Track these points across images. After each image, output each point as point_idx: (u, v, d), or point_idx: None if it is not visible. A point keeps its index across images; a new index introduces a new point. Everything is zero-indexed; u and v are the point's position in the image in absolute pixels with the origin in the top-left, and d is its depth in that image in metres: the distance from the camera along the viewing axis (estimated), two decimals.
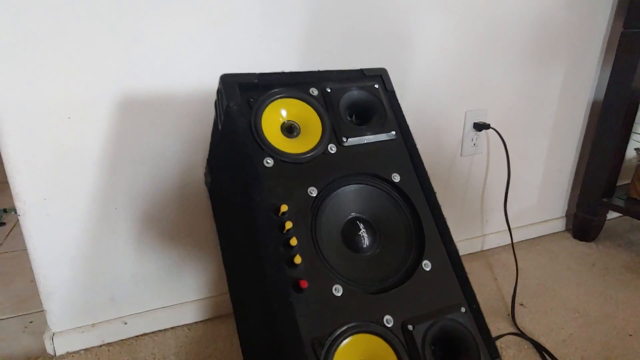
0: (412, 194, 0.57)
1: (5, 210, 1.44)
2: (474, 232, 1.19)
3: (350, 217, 0.55)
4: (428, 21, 0.93)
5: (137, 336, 0.87)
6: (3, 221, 1.38)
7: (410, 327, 0.48)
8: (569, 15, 1.08)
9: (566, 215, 1.32)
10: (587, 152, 1.23)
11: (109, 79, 0.72)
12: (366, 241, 0.54)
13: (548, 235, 1.29)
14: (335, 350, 0.45)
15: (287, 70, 0.62)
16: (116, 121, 0.75)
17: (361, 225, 0.54)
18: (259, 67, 0.81)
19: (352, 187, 0.56)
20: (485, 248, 1.21)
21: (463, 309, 0.52)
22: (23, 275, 1.08)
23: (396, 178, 0.57)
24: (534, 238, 1.27)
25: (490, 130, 1.07)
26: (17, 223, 1.35)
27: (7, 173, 0.71)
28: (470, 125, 1.07)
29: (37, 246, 0.76)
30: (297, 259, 0.47)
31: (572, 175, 1.29)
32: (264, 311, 0.53)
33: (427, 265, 0.54)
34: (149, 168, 0.79)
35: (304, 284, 0.46)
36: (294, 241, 0.48)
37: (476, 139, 1.09)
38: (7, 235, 1.30)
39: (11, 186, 0.72)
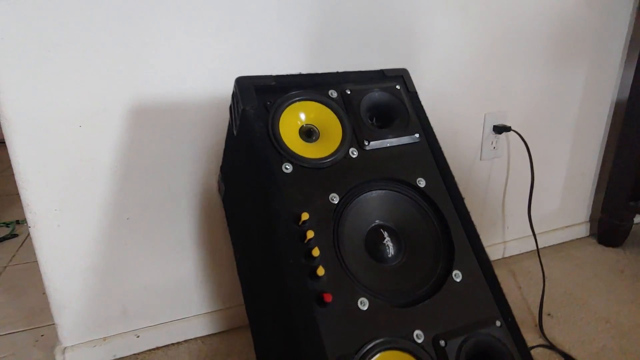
0: (439, 199, 0.54)
1: (18, 222, 1.43)
2: (494, 239, 1.15)
3: (373, 225, 0.52)
4: (445, 21, 0.90)
5: (150, 350, 0.85)
6: (16, 232, 1.37)
7: (442, 342, 0.45)
8: (590, 13, 1.05)
9: (590, 220, 1.28)
10: (611, 154, 1.18)
11: (120, 86, 0.70)
12: (391, 250, 0.51)
13: (572, 241, 1.25)
14: None
15: (302, 72, 0.59)
16: (128, 129, 0.73)
17: (385, 234, 0.51)
18: (273, 71, 0.79)
19: (375, 193, 0.53)
20: (506, 255, 1.16)
21: (498, 323, 0.48)
22: (35, 287, 1.06)
23: (421, 183, 0.54)
24: (557, 244, 1.22)
25: (511, 132, 1.03)
26: (29, 235, 1.34)
27: (17, 184, 0.70)
28: (489, 128, 1.03)
29: (47, 258, 0.74)
30: (320, 271, 0.44)
31: (596, 178, 1.24)
32: (284, 326, 0.50)
33: (457, 275, 0.50)
34: (162, 177, 0.77)
35: (328, 297, 0.43)
36: (316, 252, 0.45)
37: (496, 142, 1.05)
38: (20, 247, 1.29)
39: (21, 197, 0.70)
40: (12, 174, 0.70)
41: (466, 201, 0.55)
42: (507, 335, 0.48)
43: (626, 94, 1.12)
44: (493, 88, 1.01)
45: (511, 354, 0.46)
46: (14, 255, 1.24)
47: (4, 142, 0.68)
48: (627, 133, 1.11)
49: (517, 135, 1.02)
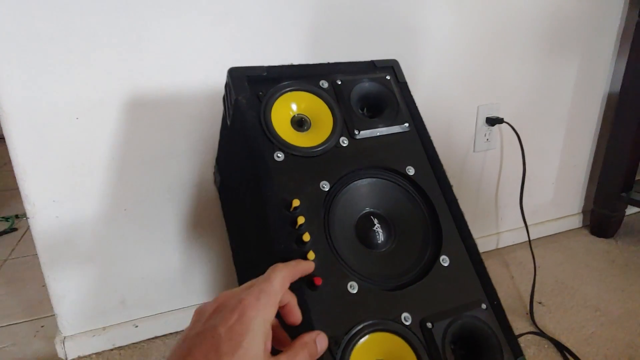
0: (428, 187, 0.55)
1: (17, 216, 1.44)
2: (488, 230, 1.16)
3: (364, 212, 0.53)
4: (438, 14, 0.91)
5: (149, 339, 0.86)
6: (15, 227, 1.38)
7: (429, 324, 0.46)
8: (582, 6, 1.06)
9: (583, 212, 1.29)
10: (604, 146, 1.20)
11: (116, 78, 0.71)
12: (381, 237, 0.52)
13: (565, 232, 1.26)
14: (352, 349, 0.43)
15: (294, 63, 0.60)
16: (124, 121, 0.74)
17: (375, 220, 0.53)
18: (266, 63, 0.80)
19: (366, 181, 0.54)
20: (500, 246, 1.18)
21: (484, 306, 0.50)
22: (34, 280, 1.07)
23: (410, 171, 0.56)
24: (550, 235, 1.24)
25: (504, 125, 1.05)
26: (28, 229, 1.35)
27: (16, 175, 0.71)
28: (482, 120, 1.05)
29: (46, 249, 0.75)
30: (311, 255, 0.46)
31: (589, 170, 1.26)
32: None
33: (445, 260, 0.52)
34: (158, 168, 0.78)
35: (318, 281, 0.44)
36: (306, 237, 0.46)
37: (489, 134, 1.07)
38: (19, 241, 1.30)
39: (20, 189, 0.71)
40: (11, 169, 0.71)
41: (460, 193, 0.57)
42: (492, 318, 0.49)
43: (618, 86, 1.13)
44: (486, 80, 1.02)
45: (495, 335, 0.48)
46: (13, 249, 1.25)
47: (2, 138, 0.69)
48: (619, 125, 1.12)
49: (510, 127, 1.04)
